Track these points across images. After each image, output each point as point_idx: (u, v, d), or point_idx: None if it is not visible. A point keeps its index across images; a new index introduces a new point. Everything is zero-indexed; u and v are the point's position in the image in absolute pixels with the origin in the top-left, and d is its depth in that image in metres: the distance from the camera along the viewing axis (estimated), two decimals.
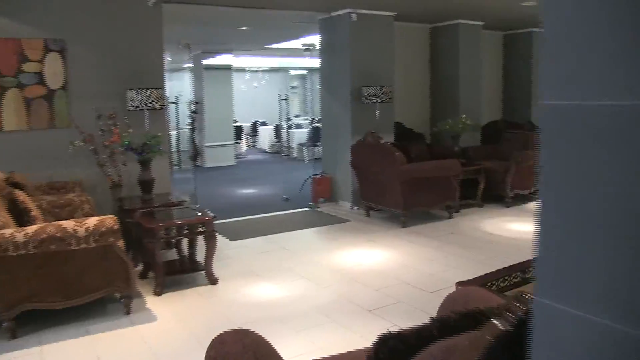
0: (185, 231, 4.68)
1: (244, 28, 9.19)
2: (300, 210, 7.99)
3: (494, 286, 3.27)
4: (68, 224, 3.66)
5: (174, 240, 5.26)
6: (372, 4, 7.59)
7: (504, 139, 8.84)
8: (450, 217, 7.22)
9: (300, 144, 14.27)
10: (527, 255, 5.69)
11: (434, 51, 9.58)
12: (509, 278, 3.37)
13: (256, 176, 11.89)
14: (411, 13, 8.22)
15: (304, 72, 21.92)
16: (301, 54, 15.05)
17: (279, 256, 5.71)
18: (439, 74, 9.53)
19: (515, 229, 6.67)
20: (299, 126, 16.94)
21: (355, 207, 7.89)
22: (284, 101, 8.58)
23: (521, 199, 8.15)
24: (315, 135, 14.19)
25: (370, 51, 7.91)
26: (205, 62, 13.45)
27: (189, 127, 13.72)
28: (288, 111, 8.28)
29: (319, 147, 14.46)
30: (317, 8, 7.72)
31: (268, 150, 16.67)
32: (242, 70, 18.09)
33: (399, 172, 6.52)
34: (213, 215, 4.80)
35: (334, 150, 8.24)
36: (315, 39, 9.62)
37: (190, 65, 14.41)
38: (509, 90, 10.85)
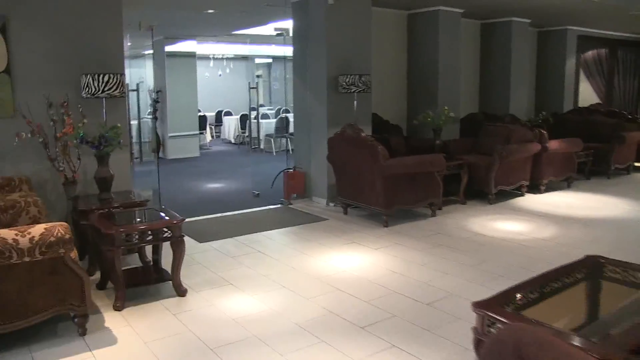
0: (149, 237, 4.10)
1: (210, 11, 8.56)
2: (272, 207, 7.46)
3: (512, 305, 2.82)
4: (7, 234, 3.05)
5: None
6: None
7: (484, 132, 8.46)
8: (433, 215, 6.80)
9: (268, 135, 13.69)
10: (519, 258, 5.36)
11: (412, 39, 9.13)
12: (527, 295, 2.92)
13: (223, 169, 11.28)
14: None
15: (269, 60, 21.28)
16: (269, 40, 14.45)
17: (253, 261, 5.17)
18: (416, 63, 9.09)
19: (502, 228, 6.28)
20: (265, 116, 16.33)
21: (331, 204, 7.40)
22: (253, 90, 8.02)
23: (505, 195, 7.79)
24: (283, 126, 13.65)
25: (347, 38, 7.40)
26: (168, 48, 12.72)
27: (150, 116, 13.00)
28: (258, 100, 7.69)
29: (288, 139, 14.01)
30: None
31: (233, 141, 16.02)
32: (206, 57, 17.37)
33: (381, 167, 6.05)
34: (181, 218, 4.23)
35: (307, 143, 7.72)
36: (286, 25, 9.08)
37: (151, 52, 13.64)
38: (486, 82, 10.50)
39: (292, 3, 7.67)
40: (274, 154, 13.27)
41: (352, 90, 7.02)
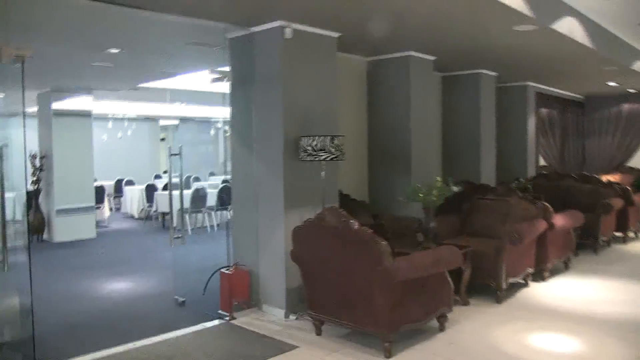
0: None
1: (112, 51, 6.34)
2: (207, 325, 5.12)
3: None
4: None
5: None
6: (313, 18, 5.18)
7: (474, 208, 6.69)
8: (442, 330, 4.79)
9: (181, 210, 11.27)
10: None
11: (374, 91, 7.31)
12: None
13: (128, 256, 8.70)
14: (356, 35, 5.88)
15: (176, 122, 19.01)
16: (177, 100, 12.30)
17: None
18: (380, 120, 7.25)
19: (539, 346, 4.42)
20: (175, 186, 13.88)
21: (293, 317, 5.22)
22: (175, 157, 5.82)
23: (508, 289, 5.96)
24: (198, 200, 11.34)
25: (310, 84, 5.44)
26: (56, 105, 10.21)
27: (31, 187, 10.28)
28: (182, 170, 5.53)
29: (203, 213, 11.68)
30: (230, 18, 5.14)
31: (137, 216, 13.41)
32: (104, 117, 14.88)
33: (387, 272, 3.99)
34: None
35: (252, 228, 5.55)
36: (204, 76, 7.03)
37: (35, 109, 11.03)
38: (452, 144, 8.84)
39: (230, 39, 5.64)
40: (190, 232, 10.88)
41: (322, 157, 4.99)
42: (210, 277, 5.75)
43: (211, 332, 4.95)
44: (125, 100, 12.26)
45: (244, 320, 5.23)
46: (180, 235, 5.72)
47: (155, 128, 18.52)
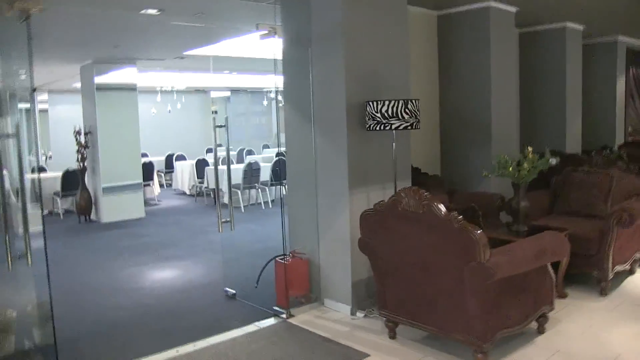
0: None
1: (150, 11, 5.62)
2: (260, 325, 4.43)
3: None
4: None
5: None
6: None
7: (567, 182, 5.72)
8: (541, 332, 3.94)
9: (234, 186, 10.68)
10: None
11: (446, 51, 6.38)
12: None
13: (177, 239, 8.11)
14: None
15: (227, 93, 18.45)
16: (225, 69, 11.58)
17: None
18: (455, 83, 6.33)
19: None
20: (226, 161, 13.30)
21: (360, 314, 4.47)
22: (221, 129, 5.09)
23: (617, 277, 5.02)
24: (251, 175, 10.69)
25: (377, 41, 4.58)
26: (100, 79, 9.66)
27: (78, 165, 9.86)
28: (228, 144, 4.78)
29: (257, 189, 11.05)
30: None
31: (188, 192, 12.90)
32: (152, 91, 14.40)
33: (483, 270, 3.17)
34: None
35: (310, 210, 4.79)
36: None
37: (78, 84, 10.57)
38: (533, 109, 7.81)
39: None
40: (243, 210, 10.27)
41: (394, 125, 4.16)
42: (264, 268, 5.04)
43: (266, 334, 4.24)
44: (172, 70, 11.63)
45: (303, 318, 4.51)
46: (228, 220, 5.00)
47: (206, 100, 17.96)
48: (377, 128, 4.22)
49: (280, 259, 4.73)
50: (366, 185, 4.49)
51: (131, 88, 9.99)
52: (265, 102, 17.55)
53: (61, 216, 10.34)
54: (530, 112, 7.76)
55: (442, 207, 3.32)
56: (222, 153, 15.09)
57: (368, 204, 4.36)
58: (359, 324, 4.33)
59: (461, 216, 3.25)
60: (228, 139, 5.10)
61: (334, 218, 4.56)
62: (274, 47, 5.04)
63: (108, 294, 5.54)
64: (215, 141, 5.20)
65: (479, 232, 3.18)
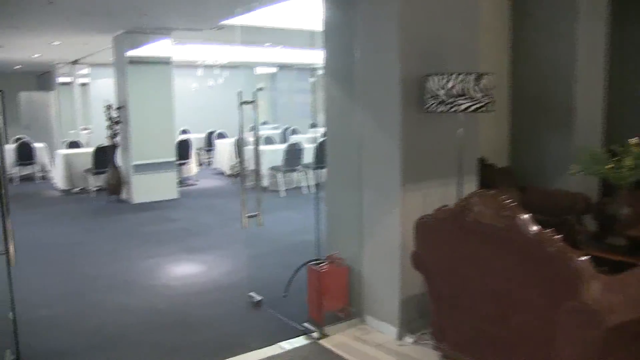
0: None
1: None
2: (285, 347, 3.62)
3: None
4: None
5: None
6: None
7: None
8: None
9: (273, 168, 9.92)
10: None
11: (520, 18, 5.35)
12: None
13: (208, 226, 7.38)
14: None
15: (274, 69, 17.68)
16: (266, 42, 10.73)
17: None
18: (530, 59, 5.30)
19: None
20: (269, 141, 12.55)
21: (409, 339, 3.61)
22: (249, 105, 4.28)
23: None
24: (292, 157, 9.89)
25: (438, 2, 3.65)
26: (133, 52, 8.99)
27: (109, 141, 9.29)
28: (257, 120, 3.94)
29: (300, 173, 10.26)
30: None
31: (228, 172, 12.21)
32: (192, 65, 13.73)
33: (587, 313, 2.25)
34: None
35: (353, 207, 3.93)
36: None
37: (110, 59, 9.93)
38: (621, 91, 6.65)
39: None
40: (281, 194, 9.50)
41: (462, 106, 3.24)
42: (294, 275, 4.23)
43: (291, 359, 3.44)
44: (212, 43, 10.87)
45: (339, 339, 3.69)
46: (255, 214, 4.20)
47: (251, 76, 17.23)
48: (440, 109, 3.31)
49: (313, 265, 3.91)
50: (422, 181, 3.60)
51: (165, 62, 9.27)
52: (311, 79, 16.69)
53: (93, 194, 9.82)
54: (620, 96, 6.62)
55: (531, 222, 2.40)
56: (268, 132, 14.41)
57: (424, 204, 3.48)
58: (407, 352, 3.48)
59: (559, 235, 2.33)
60: (256, 118, 4.29)
61: (381, 218, 3.69)
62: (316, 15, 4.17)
63: (117, 291, 4.85)
64: (242, 119, 4.38)
65: (583, 259, 2.26)
